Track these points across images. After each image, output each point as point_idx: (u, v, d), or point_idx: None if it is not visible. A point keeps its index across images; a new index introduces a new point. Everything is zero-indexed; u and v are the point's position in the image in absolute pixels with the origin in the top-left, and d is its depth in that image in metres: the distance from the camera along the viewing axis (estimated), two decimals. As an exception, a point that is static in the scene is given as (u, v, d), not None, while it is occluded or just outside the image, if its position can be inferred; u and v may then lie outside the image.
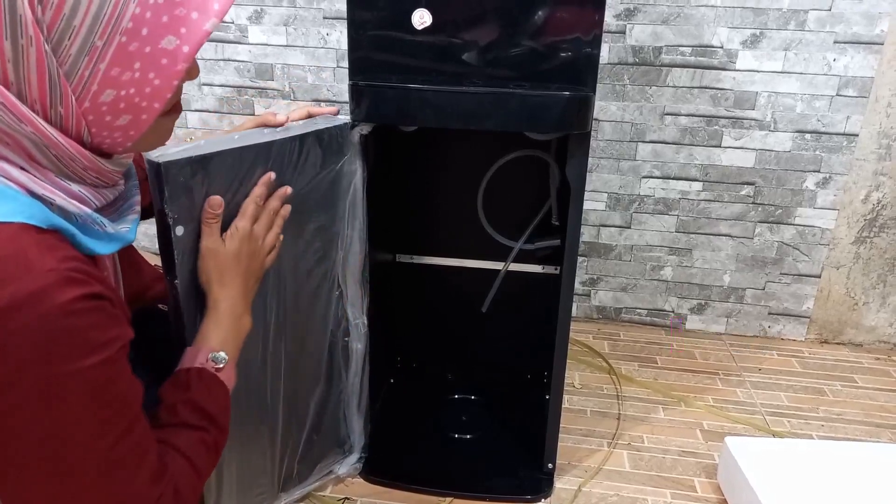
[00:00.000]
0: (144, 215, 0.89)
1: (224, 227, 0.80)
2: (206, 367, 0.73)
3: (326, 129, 0.97)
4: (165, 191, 0.73)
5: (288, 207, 0.88)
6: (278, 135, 0.89)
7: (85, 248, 0.55)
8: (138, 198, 0.67)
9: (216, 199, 0.77)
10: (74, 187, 0.56)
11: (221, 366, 0.74)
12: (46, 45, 0.49)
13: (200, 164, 0.77)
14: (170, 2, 0.54)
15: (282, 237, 0.88)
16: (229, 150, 0.80)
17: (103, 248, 0.57)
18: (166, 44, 0.54)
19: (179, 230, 0.76)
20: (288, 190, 0.88)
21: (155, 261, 0.89)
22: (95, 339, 0.52)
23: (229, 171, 0.81)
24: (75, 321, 0.50)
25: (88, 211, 0.56)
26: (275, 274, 0.92)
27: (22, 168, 0.52)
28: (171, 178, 0.73)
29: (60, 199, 0.54)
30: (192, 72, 0.61)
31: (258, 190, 0.83)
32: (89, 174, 0.57)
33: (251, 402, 0.95)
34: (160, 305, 0.90)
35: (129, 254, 0.84)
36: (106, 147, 0.57)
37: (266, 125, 0.92)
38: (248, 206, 0.82)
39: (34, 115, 0.51)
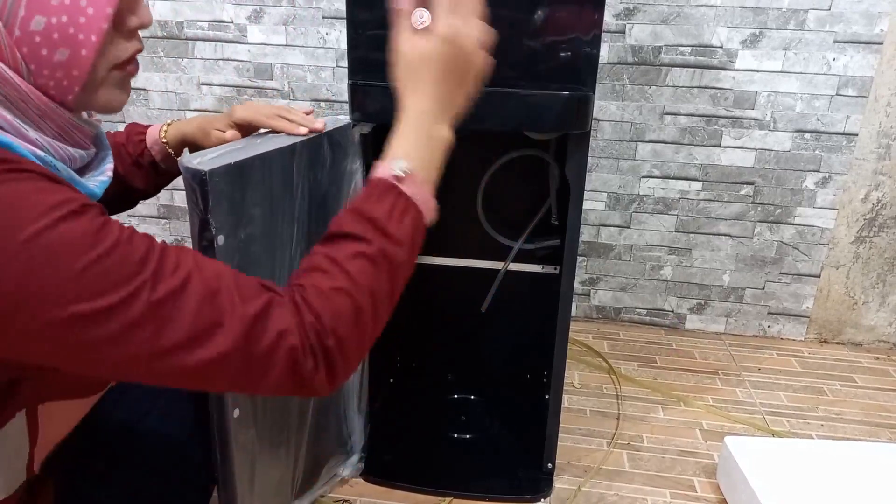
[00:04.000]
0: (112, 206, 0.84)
1: (262, 237, 0.75)
2: (383, 176, 0.63)
3: (336, 129, 0.97)
4: (210, 200, 0.69)
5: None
6: (299, 136, 0.88)
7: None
8: (111, 165, 0.63)
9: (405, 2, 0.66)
10: (32, 133, 0.52)
11: (401, 174, 0.63)
12: None
13: (238, 171, 0.74)
14: None
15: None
16: (261, 155, 0.78)
17: None
18: None
19: (220, 239, 0.73)
20: None
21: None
22: (41, 203, 0.47)
23: (259, 174, 0.79)
24: (11, 188, 0.46)
25: (39, 153, 0.52)
26: (286, 274, 0.91)
27: None
28: (214, 186, 0.69)
29: (10, 137, 0.50)
30: (141, 16, 0.57)
31: None
32: (48, 125, 0.54)
33: (274, 406, 0.93)
34: None
35: None
36: (53, 92, 0.54)
37: (283, 131, 0.89)
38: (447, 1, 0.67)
39: None
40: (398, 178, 0.63)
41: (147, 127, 0.93)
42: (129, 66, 0.59)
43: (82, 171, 0.60)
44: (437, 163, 0.67)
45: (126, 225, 0.52)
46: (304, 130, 0.90)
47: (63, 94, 0.54)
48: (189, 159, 0.70)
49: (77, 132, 0.57)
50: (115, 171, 0.86)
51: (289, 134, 0.89)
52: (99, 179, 0.60)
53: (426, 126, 0.67)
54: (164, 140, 0.91)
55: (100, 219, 0.50)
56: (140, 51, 0.60)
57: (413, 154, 0.65)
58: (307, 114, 0.94)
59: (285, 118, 0.91)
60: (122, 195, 0.90)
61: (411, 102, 0.66)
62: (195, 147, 0.93)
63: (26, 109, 0.52)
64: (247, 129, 0.92)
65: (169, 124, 0.92)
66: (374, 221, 0.60)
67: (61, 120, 0.55)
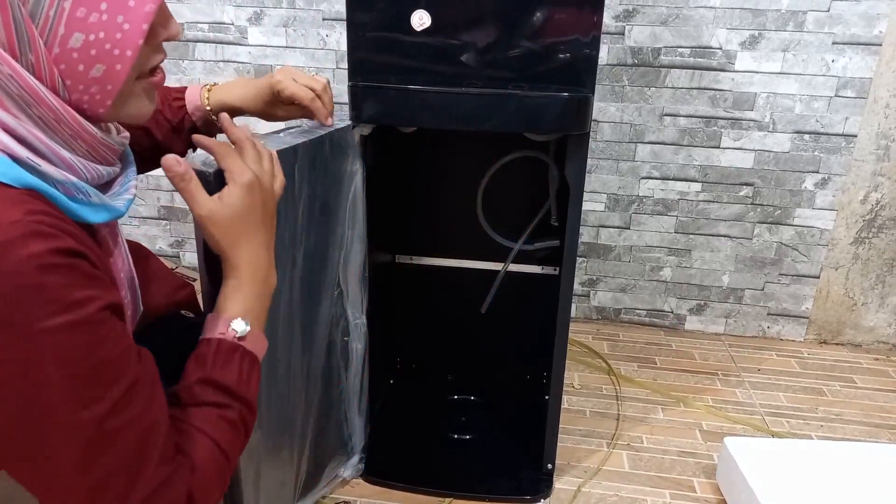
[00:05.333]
0: (147, 167, 0.86)
1: None
2: (225, 337, 0.66)
3: (336, 130, 0.97)
4: None
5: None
6: (301, 138, 0.88)
7: (72, 214, 0.52)
8: (135, 181, 0.64)
9: (171, 158, 0.65)
10: (66, 154, 0.53)
11: (242, 334, 0.66)
12: None
13: None
14: None
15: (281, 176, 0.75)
16: None
17: (93, 216, 0.55)
18: None
19: None
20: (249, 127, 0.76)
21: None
22: (67, 297, 0.48)
23: None
24: (42, 276, 0.46)
25: (73, 179, 0.53)
26: (287, 276, 0.91)
27: (8, 131, 0.50)
28: (220, 187, 0.68)
29: (47, 165, 0.51)
30: (170, 28, 0.58)
31: (233, 129, 0.72)
32: (78, 144, 0.55)
33: (279, 409, 0.94)
34: (184, 312, 0.89)
35: (149, 261, 0.82)
36: (86, 106, 0.55)
37: (318, 118, 0.95)
38: (230, 149, 0.69)
39: (8, 55, 0.49)
40: (240, 339, 0.66)
41: (183, 90, 0.92)
42: (155, 76, 0.60)
43: (108, 185, 0.61)
44: (267, 308, 0.71)
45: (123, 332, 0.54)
46: (331, 122, 0.96)
47: (96, 107, 0.55)
48: (193, 160, 0.70)
49: (105, 149, 0.58)
50: (154, 139, 0.88)
51: (320, 122, 0.95)
52: (125, 198, 0.61)
53: (261, 276, 0.70)
54: (209, 108, 0.92)
55: (104, 329, 0.51)
56: (163, 59, 0.61)
57: (251, 309, 0.68)
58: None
59: (320, 97, 0.95)
60: (157, 158, 0.90)
61: (244, 255, 0.68)
62: (242, 115, 0.95)
63: (59, 129, 0.53)
64: (290, 103, 0.95)
65: (209, 90, 0.92)
66: (227, 390, 0.63)
67: (92, 140, 0.56)
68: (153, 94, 0.62)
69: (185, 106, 0.91)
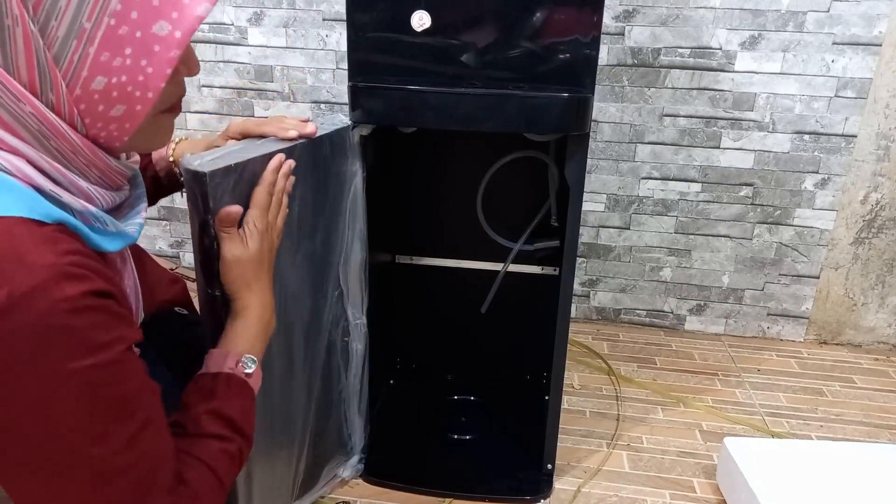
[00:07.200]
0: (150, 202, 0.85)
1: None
2: (235, 373, 0.69)
3: (336, 131, 0.97)
4: (210, 201, 0.70)
5: (292, 179, 0.82)
6: (300, 139, 0.88)
7: (93, 244, 0.53)
8: (145, 205, 0.65)
9: (234, 210, 0.72)
10: (83, 183, 0.54)
11: (251, 371, 0.71)
12: (32, 26, 0.48)
13: (238, 172, 0.74)
14: None
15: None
16: (261, 156, 0.78)
17: (109, 244, 0.56)
18: (158, 29, 0.52)
19: None
20: (292, 163, 0.82)
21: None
22: (95, 339, 0.50)
23: (260, 176, 0.78)
24: (74, 319, 0.48)
25: (93, 209, 0.54)
26: (288, 277, 0.91)
27: (30, 162, 0.51)
28: (215, 187, 0.70)
29: (67, 195, 0.52)
30: (191, 66, 0.59)
31: (271, 178, 0.78)
32: (92, 172, 0.56)
33: (279, 411, 0.94)
34: (177, 309, 0.89)
35: (140, 257, 0.83)
36: (103, 141, 0.55)
37: (273, 135, 0.87)
38: (263, 198, 0.76)
39: (30, 94, 0.49)
40: (248, 375, 0.71)
41: None
42: (173, 111, 0.61)
43: (118, 209, 0.62)
44: (265, 348, 0.77)
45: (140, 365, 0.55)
46: (293, 134, 0.87)
47: (112, 142, 0.56)
48: (189, 161, 0.70)
49: (116, 175, 0.59)
50: None
51: (278, 137, 0.87)
52: (137, 223, 0.62)
53: (266, 318, 0.76)
54: (172, 159, 0.90)
55: (125, 369, 0.53)
56: (183, 95, 0.62)
57: (257, 347, 0.74)
58: (303, 122, 0.92)
59: (276, 124, 0.89)
60: None
61: (254, 297, 0.74)
62: None
63: (74, 160, 0.54)
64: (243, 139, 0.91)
65: (177, 143, 0.92)
66: (232, 423, 0.67)
67: (106, 167, 0.57)
68: (169, 127, 0.63)
69: (150, 154, 0.90)
